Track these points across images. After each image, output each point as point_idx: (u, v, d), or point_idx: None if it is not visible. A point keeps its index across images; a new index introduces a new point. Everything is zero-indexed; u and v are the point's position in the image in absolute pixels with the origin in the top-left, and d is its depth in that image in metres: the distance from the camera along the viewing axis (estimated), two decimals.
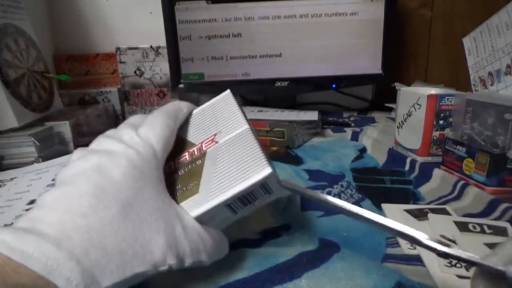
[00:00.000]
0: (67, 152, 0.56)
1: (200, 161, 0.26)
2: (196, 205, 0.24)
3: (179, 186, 0.26)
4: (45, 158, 0.52)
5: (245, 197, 0.24)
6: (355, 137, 0.63)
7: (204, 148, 0.27)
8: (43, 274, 0.17)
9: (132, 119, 0.27)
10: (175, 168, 0.27)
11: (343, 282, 0.25)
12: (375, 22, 0.76)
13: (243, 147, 0.26)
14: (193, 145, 0.28)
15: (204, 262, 0.24)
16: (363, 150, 0.55)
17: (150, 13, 0.87)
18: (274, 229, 0.33)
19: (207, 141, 0.28)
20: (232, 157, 0.25)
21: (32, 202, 0.39)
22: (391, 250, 0.29)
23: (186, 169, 0.26)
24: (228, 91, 0.31)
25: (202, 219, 0.24)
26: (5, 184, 0.45)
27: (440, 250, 0.20)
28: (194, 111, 0.31)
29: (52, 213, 0.20)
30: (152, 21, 0.85)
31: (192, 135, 0.29)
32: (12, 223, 0.34)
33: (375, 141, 0.59)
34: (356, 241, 0.31)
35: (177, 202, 0.24)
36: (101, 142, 0.24)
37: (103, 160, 0.22)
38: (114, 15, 0.87)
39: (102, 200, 0.20)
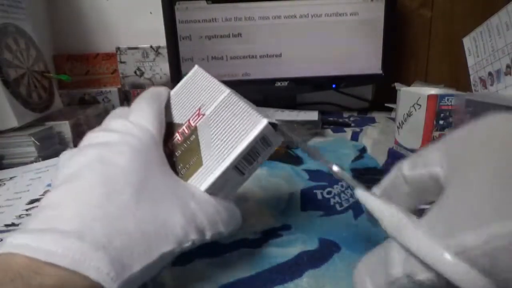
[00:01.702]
0: None
1: (193, 136, 0.26)
2: (204, 177, 0.24)
3: (181, 165, 0.26)
4: (45, 158, 0.52)
5: (249, 155, 0.25)
6: (355, 137, 0.63)
7: (193, 124, 0.27)
8: (72, 269, 0.16)
9: (116, 111, 0.27)
10: (171, 151, 0.27)
11: (344, 282, 0.25)
12: (375, 22, 0.76)
13: (232, 110, 0.26)
14: (180, 125, 0.28)
15: (223, 232, 0.24)
16: (363, 150, 0.55)
17: (150, 13, 0.86)
18: (274, 229, 0.33)
19: (193, 116, 0.27)
20: (225, 122, 0.26)
21: (32, 201, 0.38)
22: None
23: (182, 148, 0.27)
24: (196, 66, 0.30)
25: (213, 189, 0.24)
26: (4, 184, 0.45)
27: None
28: (170, 94, 0.31)
29: (65, 209, 0.19)
30: (152, 21, 0.85)
31: (176, 116, 0.29)
32: (12, 223, 0.34)
33: (375, 141, 0.59)
34: (356, 241, 0.31)
35: (187, 178, 0.25)
36: (92, 138, 0.24)
37: (103, 151, 0.22)
38: (114, 15, 0.87)
39: (113, 188, 0.20)
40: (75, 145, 0.58)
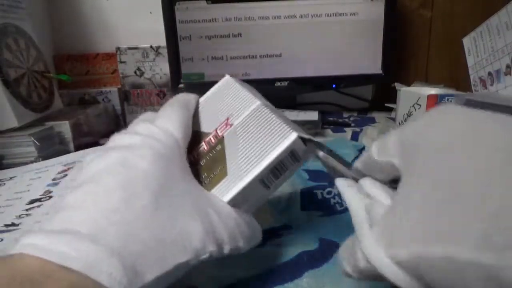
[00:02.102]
0: (67, 152, 0.56)
1: (219, 146, 0.26)
2: (228, 188, 0.24)
3: (205, 175, 0.25)
4: (45, 158, 0.52)
5: (276, 168, 0.24)
6: (355, 137, 0.63)
7: (220, 134, 0.26)
8: (85, 273, 0.16)
9: (143, 116, 0.27)
10: (196, 160, 0.26)
11: (344, 282, 0.25)
12: (375, 22, 0.76)
13: (261, 121, 0.25)
14: (207, 134, 0.27)
15: (242, 248, 0.23)
16: (363, 150, 0.55)
17: (150, 13, 0.86)
18: (274, 229, 0.33)
19: (220, 126, 0.27)
20: (253, 133, 0.25)
21: (32, 201, 0.38)
22: None
23: (208, 158, 0.26)
24: (227, 76, 0.30)
25: (236, 201, 0.23)
26: (4, 184, 0.45)
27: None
28: (199, 102, 0.31)
29: (81, 212, 0.19)
30: (152, 21, 0.85)
31: (204, 125, 0.28)
32: (12, 223, 0.34)
33: (375, 141, 0.59)
34: None
35: (210, 187, 0.24)
36: (117, 139, 0.24)
37: (125, 153, 0.21)
38: (114, 15, 0.87)
39: (132, 192, 0.19)
40: (75, 145, 0.58)
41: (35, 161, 0.51)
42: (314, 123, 0.64)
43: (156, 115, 0.26)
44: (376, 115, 0.82)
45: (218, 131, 0.27)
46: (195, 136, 0.27)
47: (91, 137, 0.64)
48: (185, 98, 0.28)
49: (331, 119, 0.75)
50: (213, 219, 0.21)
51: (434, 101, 0.46)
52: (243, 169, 0.24)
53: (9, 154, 0.52)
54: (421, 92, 0.49)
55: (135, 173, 0.20)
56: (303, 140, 0.24)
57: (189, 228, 0.20)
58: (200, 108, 0.30)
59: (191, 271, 0.27)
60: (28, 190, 0.42)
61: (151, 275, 0.18)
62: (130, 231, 0.18)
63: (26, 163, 0.51)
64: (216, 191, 0.24)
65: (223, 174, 0.24)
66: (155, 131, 0.23)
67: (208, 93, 0.30)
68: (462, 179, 0.15)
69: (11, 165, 0.51)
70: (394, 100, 0.57)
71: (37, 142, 0.52)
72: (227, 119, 0.27)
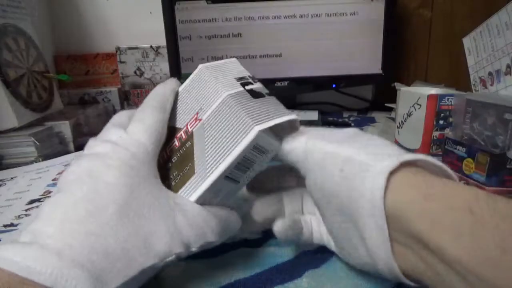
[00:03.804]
0: (67, 152, 0.56)
1: (189, 142, 0.26)
2: (195, 187, 0.24)
3: (175, 173, 0.25)
4: (45, 158, 0.52)
5: (241, 164, 0.24)
6: None
7: (190, 129, 0.26)
8: (49, 286, 0.17)
9: (117, 118, 0.27)
10: (168, 157, 0.26)
11: (344, 282, 0.25)
12: (375, 22, 0.76)
13: (226, 115, 0.25)
14: (179, 129, 0.27)
15: (214, 242, 0.24)
16: None
17: (150, 13, 0.86)
18: None
19: (191, 121, 0.27)
20: (219, 129, 0.25)
21: (31, 202, 0.39)
22: None
23: (178, 155, 0.26)
24: (200, 65, 0.29)
25: (205, 198, 0.24)
26: (5, 183, 0.45)
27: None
28: (178, 91, 0.30)
29: (49, 223, 0.19)
30: (152, 21, 0.85)
31: (177, 120, 0.28)
32: (11, 223, 0.34)
33: None
34: None
35: (177, 189, 0.24)
36: (90, 146, 0.24)
37: (93, 163, 0.22)
38: (114, 15, 0.87)
39: (97, 204, 0.20)
40: (75, 146, 0.58)
41: (35, 161, 0.51)
42: (314, 123, 0.64)
43: (130, 116, 0.26)
44: (376, 115, 0.82)
45: (189, 127, 0.26)
46: (170, 131, 0.27)
47: (91, 137, 0.64)
48: (163, 94, 0.27)
49: (331, 119, 0.75)
50: (178, 222, 0.22)
51: (434, 101, 0.46)
52: (209, 167, 0.24)
53: (9, 154, 0.52)
54: (421, 92, 0.49)
55: (100, 184, 0.21)
56: (270, 129, 0.24)
57: (153, 235, 0.21)
58: (178, 99, 0.29)
59: (191, 272, 0.27)
60: (28, 190, 0.42)
61: (117, 282, 0.19)
62: (94, 242, 0.19)
63: (26, 163, 0.51)
64: (184, 190, 0.24)
65: (191, 172, 0.25)
66: (126, 140, 0.23)
67: (185, 84, 0.29)
68: None
69: (11, 165, 0.51)
70: (394, 100, 0.57)
71: (37, 142, 0.52)
72: (197, 113, 0.26)
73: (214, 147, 0.24)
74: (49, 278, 0.17)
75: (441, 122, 0.47)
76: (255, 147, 0.24)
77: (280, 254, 0.29)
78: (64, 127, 0.58)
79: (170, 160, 0.26)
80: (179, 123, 0.27)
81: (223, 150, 0.24)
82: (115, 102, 0.81)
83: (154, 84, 0.80)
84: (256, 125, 0.23)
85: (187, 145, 0.26)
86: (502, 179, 0.38)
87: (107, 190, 0.21)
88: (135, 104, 0.81)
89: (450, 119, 0.47)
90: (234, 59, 0.30)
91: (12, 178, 0.46)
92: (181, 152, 0.26)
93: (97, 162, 0.22)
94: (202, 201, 0.24)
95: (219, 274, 0.27)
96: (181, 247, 0.22)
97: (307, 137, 0.26)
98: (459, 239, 0.17)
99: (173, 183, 0.25)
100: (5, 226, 0.34)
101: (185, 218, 0.23)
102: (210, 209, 0.24)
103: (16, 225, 0.34)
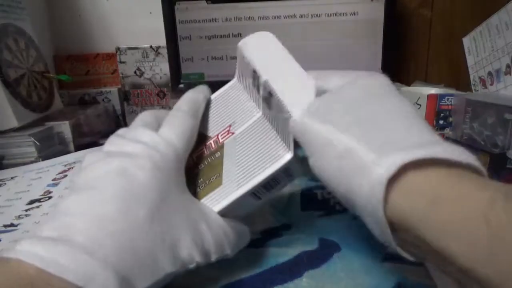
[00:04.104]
0: (67, 152, 0.56)
1: (219, 153, 0.26)
2: (221, 198, 0.24)
3: (201, 179, 0.26)
4: (45, 158, 0.52)
5: (268, 183, 0.25)
6: None
7: (220, 140, 0.27)
8: (81, 285, 0.17)
9: (144, 118, 0.26)
10: (195, 163, 0.27)
11: (344, 282, 0.25)
12: (375, 22, 0.76)
13: (260, 135, 0.25)
14: (209, 138, 0.28)
15: (228, 254, 0.24)
16: None
17: (150, 13, 0.86)
18: (274, 229, 0.33)
19: (222, 132, 0.27)
20: (251, 146, 0.25)
21: (31, 202, 0.38)
22: (391, 250, 0.29)
23: (206, 163, 0.26)
24: (235, 79, 0.29)
25: (226, 211, 0.24)
26: (5, 183, 0.45)
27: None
28: (211, 98, 0.30)
29: (80, 219, 0.19)
30: (152, 21, 0.85)
31: (207, 127, 0.28)
32: (11, 223, 0.34)
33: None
34: (356, 241, 0.31)
35: (201, 196, 0.25)
36: (117, 144, 0.24)
37: (125, 162, 0.21)
38: (114, 15, 0.87)
39: (129, 204, 0.20)
40: (75, 145, 0.58)
41: (35, 161, 0.51)
42: None
43: (158, 117, 0.26)
44: None
45: (220, 137, 0.27)
46: (198, 138, 0.27)
47: (91, 137, 0.64)
48: (195, 101, 0.27)
49: None
50: (202, 231, 0.22)
51: (434, 100, 0.46)
52: (237, 182, 0.24)
53: (9, 154, 0.52)
54: (421, 91, 0.49)
55: (133, 184, 0.21)
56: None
57: (179, 241, 0.21)
58: (210, 106, 0.29)
59: (191, 271, 0.27)
60: (28, 191, 0.42)
61: (143, 285, 0.19)
62: (125, 243, 0.19)
63: (26, 163, 0.51)
64: (208, 199, 0.24)
65: (218, 183, 0.25)
66: (159, 142, 0.23)
67: (218, 92, 0.29)
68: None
69: (11, 165, 0.51)
70: None
71: (37, 142, 0.52)
72: (230, 126, 0.27)
73: (245, 163, 0.25)
74: (82, 278, 0.17)
75: (441, 122, 0.47)
76: (285, 170, 0.24)
77: (280, 254, 0.29)
78: (64, 127, 0.58)
79: (196, 166, 0.26)
80: (209, 131, 0.28)
81: (254, 168, 0.24)
82: (115, 102, 0.81)
83: (154, 84, 0.80)
84: (290, 151, 0.24)
85: (216, 155, 0.26)
86: (502, 179, 0.38)
87: (139, 190, 0.21)
88: (135, 104, 0.81)
89: (450, 119, 0.47)
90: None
91: (12, 178, 0.46)
92: (209, 160, 0.26)
93: (128, 161, 0.21)
94: (223, 213, 0.24)
95: (219, 273, 0.27)
96: (202, 256, 0.22)
97: (305, 111, 0.22)
98: (476, 254, 0.15)
99: (198, 189, 0.25)
100: (5, 226, 0.34)
101: (208, 228, 0.22)
102: (229, 222, 0.24)
103: (16, 225, 0.34)
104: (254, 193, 0.25)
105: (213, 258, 0.23)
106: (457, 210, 0.16)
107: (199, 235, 0.22)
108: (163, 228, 0.21)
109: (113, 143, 0.24)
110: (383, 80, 0.23)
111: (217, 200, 0.24)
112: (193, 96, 0.28)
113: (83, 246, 0.18)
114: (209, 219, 0.23)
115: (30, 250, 0.17)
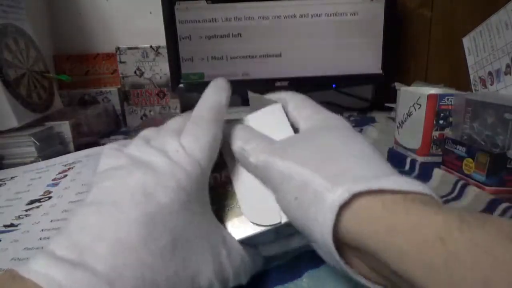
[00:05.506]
0: (67, 152, 0.56)
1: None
2: (244, 227, 0.23)
3: (226, 202, 0.25)
4: (45, 158, 0.52)
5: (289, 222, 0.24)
6: None
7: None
8: None
9: (174, 124, 0.25)
10: (223, 183, 0.25)
11: (344, 282, 0.25)
12: (375, 22, 0.76)
13: None
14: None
15: (243, 281, 0.24)
16: None
17: (150, 13, 0.87)
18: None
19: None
20: None
21: (32, 202, 0.38)
22: None
23: (230, 189, 0.25)
24: (279, 104, 0.27)
25: (247, 240, 0.24)
26: (5, 183, 0.45)
27: None
28: (246, 118, 0.28)
29: (100, 244, 0.18)
30: (152, 21, 0.85)
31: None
32: (11, 223, 0.34)
33: (375, 141, 0.59)
34: None
35: (225, 219, 0.24)
36: (143, 151, 0.22)
37: (148, 179, 0.20)
38: (114, 15, 0.87)
39: (152, 230, 0.19)
40: (75, 145, 0.58)
41: (35, 161, 0.51)
42: None
43: (187, 121, 0.24)
44: (376, 115, 0.82)
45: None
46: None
47: (91, 137, 0.64)
48: (219, 105, 0.25)
49: None
50: (223, 259, 0.22)
51: (434, 100, 0.46)
52: (263, 216, 0.23)
53: (9, 154, 0.52)
54: (421, 91, 0.49)
55: (156, 207, 0.19)
56: None
57: (200, 272, 0.20)
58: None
59: None
60: (28, 191, 0.42)
61: None
62: (145, 274, 0.18)
63: (26, 163, 0.51)
64: (231, 225, 0.24)
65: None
66: (183, 157, 0.22)
67: (256, 114, 0.27)
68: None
69: (11, 165, 0.51)
70: (394, 100, 0.57)
71: (37, 142, 0.52)
72: None
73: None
74: None
75: (441, 122, 0.47)
76: None
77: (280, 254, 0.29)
78: (64, 127, 0.58)
79: (225, 187, 0.25)
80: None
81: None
82: (115, 102, 0.81)
83: (154, 84, 0.80)
84: None
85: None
86: (502, 179, 0.38)
87: (163, 215, 0.19)
88: (135, 104, 0.81)
89: (450, 119, 0.47)
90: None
91: (12, 178, 0.46)
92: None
93: (151, 178, 0.20)
94: (242, 241, 0.23)
95: None
96: (221, 285, 0.21)
97: (260, 150, 0.23)
98: (434, 276, 0.15)
99: (222, 213, 0.24)
100: (5, 226, 0.34)
101: (228, 257, 0.22)
102: (248, 249, 0.24)
103: (16, 225, 0.34)
104: (277, 229, 0.24)
105: (231, 285, 0.22)
106: (414, 235, 0.16)
107: (220, 264, 0.21)
108: (185, 256, 0.20)
109: (139, 147, 0.23)
110: (346, 123, 0.25)
111: (239, 229, 0.23)
112: (216, 100, 0.25)
113: (102, 275, 0.17)
114: (230, 247, 0.22)
115: (48, 274, 0.16)
